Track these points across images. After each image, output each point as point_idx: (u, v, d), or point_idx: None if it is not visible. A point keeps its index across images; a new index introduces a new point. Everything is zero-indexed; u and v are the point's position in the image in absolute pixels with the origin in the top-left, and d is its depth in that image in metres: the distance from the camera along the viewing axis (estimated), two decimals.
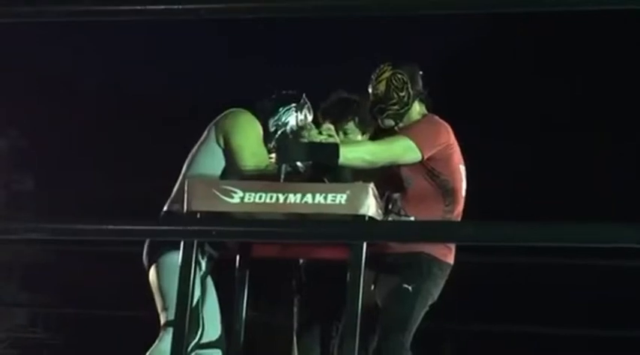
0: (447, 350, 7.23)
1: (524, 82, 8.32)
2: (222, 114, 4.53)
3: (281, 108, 4.53)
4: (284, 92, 4.60)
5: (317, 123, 4.58)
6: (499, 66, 8.34)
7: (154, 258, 4.37)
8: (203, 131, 4.54)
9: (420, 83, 4.54)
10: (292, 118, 4.52)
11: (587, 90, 8.21)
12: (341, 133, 4.63)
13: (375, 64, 4.61)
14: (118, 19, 2.90)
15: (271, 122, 4.52)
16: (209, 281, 4.43)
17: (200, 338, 4.28)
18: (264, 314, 6.81)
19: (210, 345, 4.33)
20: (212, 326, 4.35)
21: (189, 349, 4.17)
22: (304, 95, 4.58)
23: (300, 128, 4.48)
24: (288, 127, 4.51)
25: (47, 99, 8.78)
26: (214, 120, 4.52)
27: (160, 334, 4.25)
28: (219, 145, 4.42)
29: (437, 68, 4.63)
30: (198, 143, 4.52)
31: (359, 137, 4.68)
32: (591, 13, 2.74)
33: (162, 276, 4.30)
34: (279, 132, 4.51)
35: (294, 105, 4.55)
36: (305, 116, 4.55)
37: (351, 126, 4.68)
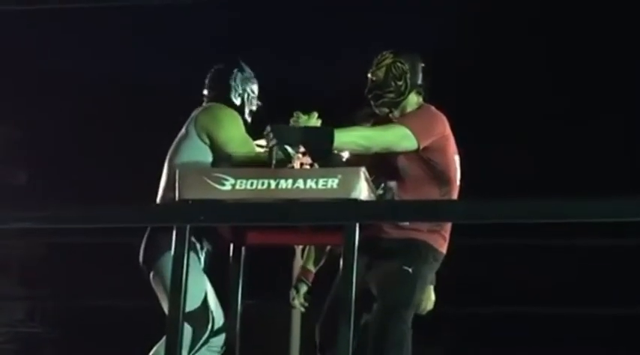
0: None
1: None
2: (198, 110, 4.57)
3: (232, 83, 4.58)
4: (215, 68, 4.69)
5: None
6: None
7: (152, 264, 4.41)
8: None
9: (420, 74, 4.53)
10: (249, 84, 4.63)
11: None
12: None
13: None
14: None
15: (234, 96, 4.58)
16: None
17: (212, 327, 4.36)
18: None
19: (218, 331, 4.41)
20: (218, 314, 4.41)
21: (204, 339, 4.30)
22: (239, 60, 4.67)
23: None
24: (253, 93, 4.64)
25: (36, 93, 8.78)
26: (191, 116, 4.56)
27: None
28: (204, 142, 4.46)
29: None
30: (178, 139, 4.55)
31: None
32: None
33: (164, 276, 4.29)
34: (248, 101, 4.62)
35: (236, 70, 4.62)
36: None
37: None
